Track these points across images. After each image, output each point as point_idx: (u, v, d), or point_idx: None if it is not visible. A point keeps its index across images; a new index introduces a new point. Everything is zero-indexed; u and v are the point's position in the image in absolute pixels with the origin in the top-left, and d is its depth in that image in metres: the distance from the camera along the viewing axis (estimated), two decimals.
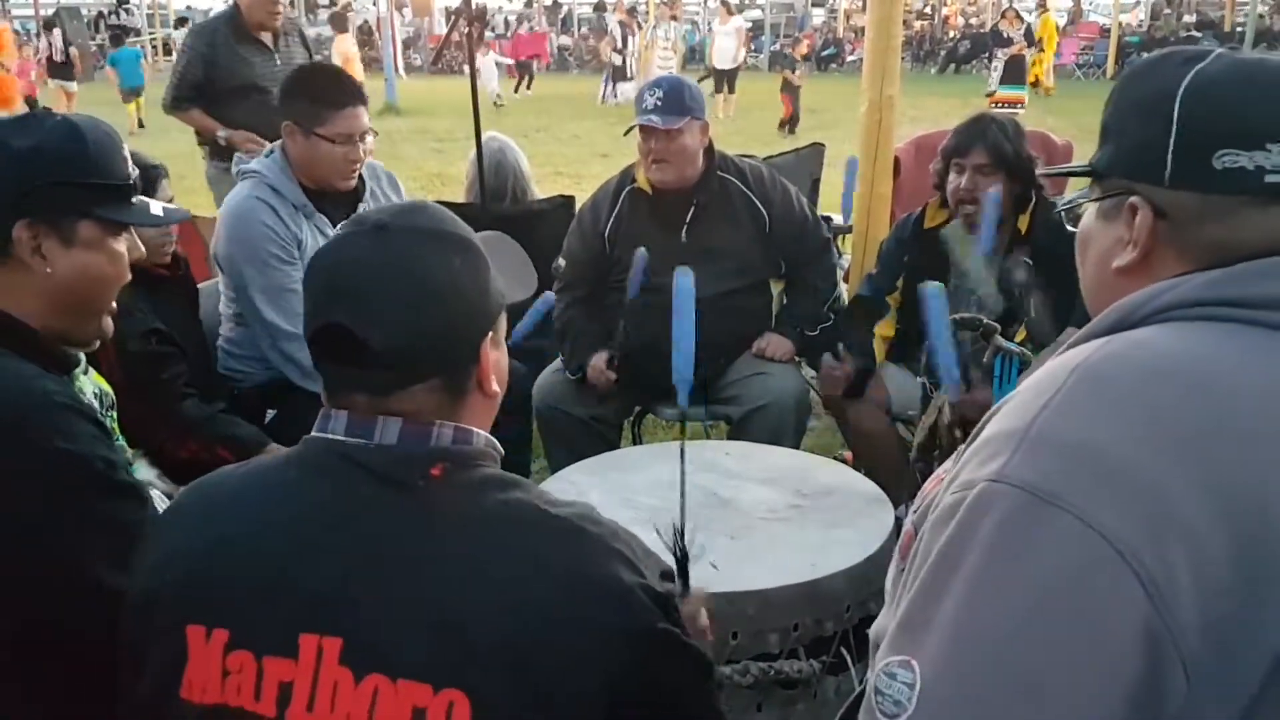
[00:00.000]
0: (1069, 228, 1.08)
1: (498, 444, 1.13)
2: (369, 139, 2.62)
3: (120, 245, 1.43)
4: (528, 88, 21.23)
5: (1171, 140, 0.91)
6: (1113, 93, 1.01)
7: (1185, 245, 0.93)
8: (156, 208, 1.47)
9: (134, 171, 1.43)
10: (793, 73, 14.92)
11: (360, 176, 2.73)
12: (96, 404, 1.56)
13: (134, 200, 1.43)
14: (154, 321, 2.23)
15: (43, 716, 1.29)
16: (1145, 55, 1.02)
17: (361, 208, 2.69)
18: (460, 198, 3.63)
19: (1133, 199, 0.95)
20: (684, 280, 1.90)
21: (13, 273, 1.33)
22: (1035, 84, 13.99)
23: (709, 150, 2.95)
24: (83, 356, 1.57)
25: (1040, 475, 0.79)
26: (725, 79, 16.45)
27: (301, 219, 2.62)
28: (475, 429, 1.10)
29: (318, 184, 2.63)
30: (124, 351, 2.11)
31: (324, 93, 2.57)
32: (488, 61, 17.66)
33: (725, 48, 16.66)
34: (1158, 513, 0.76)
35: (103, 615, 1.12)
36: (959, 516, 0.82)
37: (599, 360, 2.93)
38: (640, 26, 17.91)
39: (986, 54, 15.62)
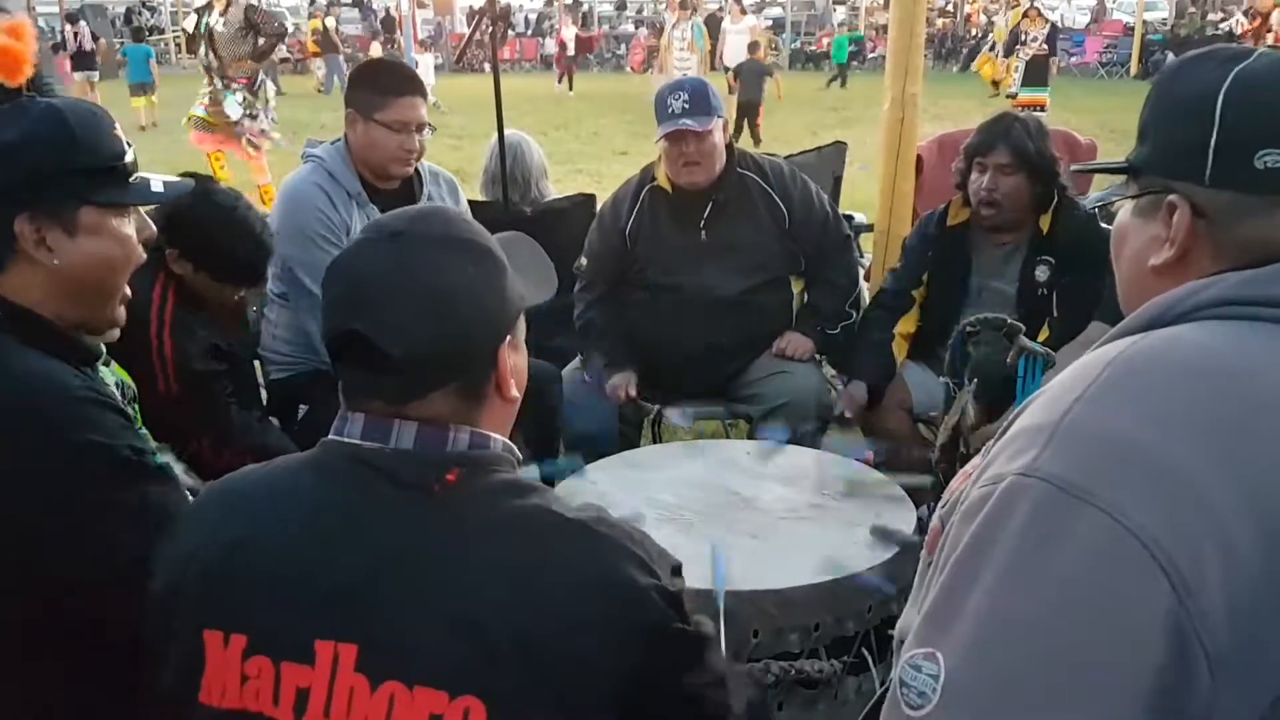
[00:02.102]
0: (1103, 225, 1.08)
1: (515, 449, 1.13)
2: (425, 132, 2.68)
3: (127, 227, 1.40)
4: (569, 87, 20.74)
5: (1213, 139, 0.91)
6: (1152, 90, 1.01)
7: (1222, 244, 0.93)
8: (157, 184, 1.44)
9: (128, 149, 1.40)
10: (736, 80, 13.23)
11: (419, 176, 2.77)
12: (118, 394, 1.57)
13: (131, 179, 1.40)
14: (213, 337, 2.27)
15: (79, 699, 1.31)
16: (1171, 54, 1.02)
17: None
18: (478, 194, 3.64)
19: (1171, 197, 0.95)
20: (719, 561, 1.75)
21: (22, 268, 1.32)
22: (996, 86, 13.20)
23: (728, 146, 2.95)
24: (103, 348, 1.58)
25: (1070, 469, 0.79)
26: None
27: (354, 207, 2.67)
28: (492, 434, 1.10)
29: (375, 172, 2.69)
30: (185, 370, 2.17)
31: (383, 81, 2.65)
32: (425, 60, 17.24)
33: (738, 47, 16.39)
34: (1187, 508, 0.76)
35: (144, 592, 1.12)
36: (987, 510, 0.82)
37: (621, 382, 2.92)
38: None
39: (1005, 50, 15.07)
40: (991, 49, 13.20)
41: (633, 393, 2.90)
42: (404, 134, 2.61)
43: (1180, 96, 0.96)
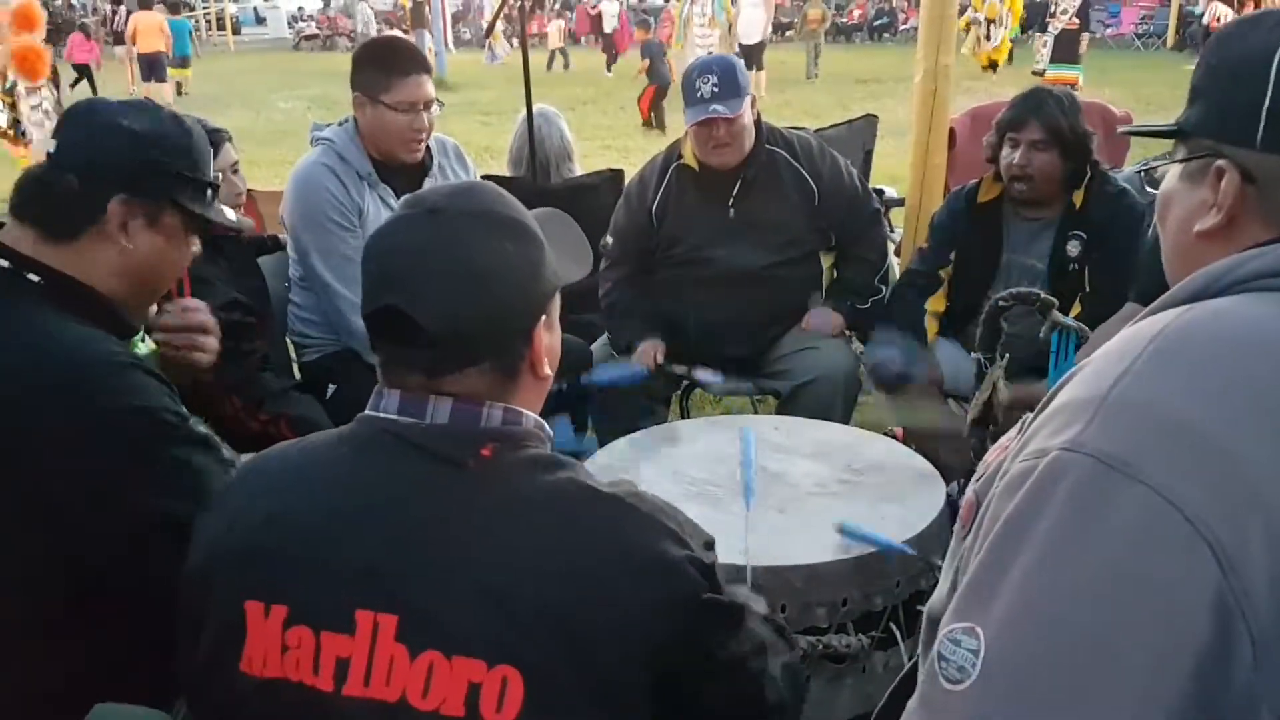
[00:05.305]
0: (1148, 189, 1.06)
1: (546, 426, 1.15)
2: (434, 109, 2.67)
3: (194, 242, 1.52)
4: (608, 65, 20.28)
5: (1266, 102, 0.89)
6: (1204, 53, 0.99)
7: (1272, 211, 0.91)
8: (230, 214, 1.58)
9: (218, 176, 1.53)
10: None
11: (428, 149, 2.76)
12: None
13: (214, 204, 1.52)
14: (232, 292, 2.27)
15: (107, 670, 1.33)
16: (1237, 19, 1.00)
17: (428, 182, 2.73)
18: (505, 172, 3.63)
19: (1220, 161, 0.93)
20: (747, 432, 2.00)
21: (94, 242, 1.40)
22: (994, 65, 11.70)
23: (756, 122, 2.92)
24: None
25: (1115, 444, 0.78)
26: (752, 55, 15.07)
27: (365, 188, 2.68)
28: (525, 410, 1.11)
29: (384, 154, 2.69)
30: None
31: (388, 62, 2.64)
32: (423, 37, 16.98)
33: (752, 20, 15.60)
34: (1234, 483, 0.75)
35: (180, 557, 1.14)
36: (1029, 484, 0.80)
37: (650, 349, 2.89)
38: None
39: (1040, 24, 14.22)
40: (980, 27, 10.89)
41: (660, 359, 2.87)
42: (412, 114, 2.61)
43: (1233, 59, 0.94)
